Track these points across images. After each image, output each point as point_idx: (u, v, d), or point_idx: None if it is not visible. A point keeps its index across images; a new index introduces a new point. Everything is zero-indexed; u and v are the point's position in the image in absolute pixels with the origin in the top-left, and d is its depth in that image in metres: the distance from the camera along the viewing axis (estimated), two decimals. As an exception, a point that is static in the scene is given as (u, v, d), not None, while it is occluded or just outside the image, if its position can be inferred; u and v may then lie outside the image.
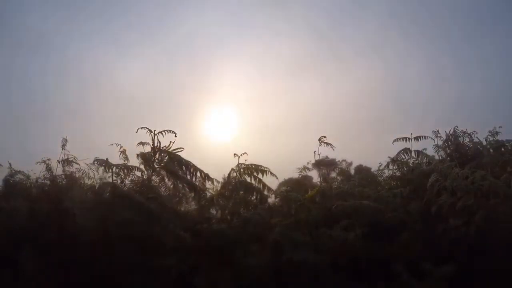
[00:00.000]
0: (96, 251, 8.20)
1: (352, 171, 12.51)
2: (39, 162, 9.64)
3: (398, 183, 10.15)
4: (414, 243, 8.17)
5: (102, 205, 9.00)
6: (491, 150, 9.86)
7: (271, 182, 10.80)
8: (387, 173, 11.00)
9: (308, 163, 11.95)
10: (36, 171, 9.69)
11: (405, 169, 10.36)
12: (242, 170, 10.52)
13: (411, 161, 10.50)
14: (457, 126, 10.41)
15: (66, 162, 9.82)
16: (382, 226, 8.56)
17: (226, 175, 10.59)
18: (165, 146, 9.96)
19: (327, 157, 12.05)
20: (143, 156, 9.81)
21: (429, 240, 8.10)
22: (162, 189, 10.07)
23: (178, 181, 10.02)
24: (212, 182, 10.41)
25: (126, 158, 10.07)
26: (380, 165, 11.11)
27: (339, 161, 12.66)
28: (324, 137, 11.15)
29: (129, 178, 9.88)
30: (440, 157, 10.36)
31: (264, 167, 10.54)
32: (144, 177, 9.83)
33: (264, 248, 8.58)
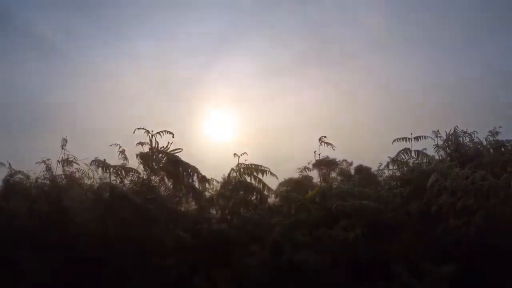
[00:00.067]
0: (96, 251, 8.20)
1: (352, 171, 12.50)
2: (39, 162, 9.64)
3: (398, 183, 10.14)
4: (414, 243, 8.17)
5: (102, 205, 9.00)
6: (491, 150, 9.86)
7: (271, 182, 10.83)
8: (387, 173, 11.01)
9: (308, 163, 11.98)
10: (36, 171, 9.69)
11: (405, 169, 10.36)
12: (242, 170, 10.54)
13: (411, 161, 10.51)
14: (457, 126, 10.41)
15: (66, 162, 9.81)
16: (382, 226, 8.56)
17: (226, 175, 10.61)
18: (163, 146, 9.99)
19: (327, 157, 12.07)
20: (142, 156, 9.83)
21: (429, 240, 8.10)
22: (162, 189, 10.06)
23: (177, 182, 10.03)
24: (209, 184, 10.43)
25: (125, 158, 10.09)
26: (380, 165, 11.11)
27: (339, 161, 12.67)
28: (325, 137, 11.17)
29: (129, 179, 9.89)
30: (440, 157, 10.35)
31: (264, 167, 10.56)
32: (144, 177, 9.84)
33: (264, 248, 8.58)
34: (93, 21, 21.78)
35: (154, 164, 9.86)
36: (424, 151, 10.58)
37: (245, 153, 10.62)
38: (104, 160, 9.82)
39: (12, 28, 20.55)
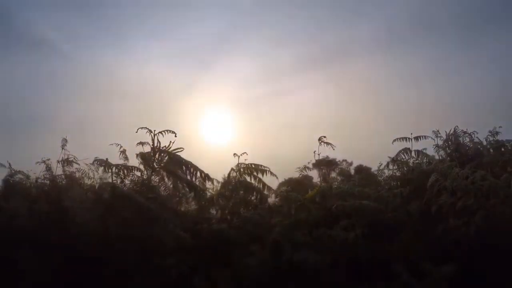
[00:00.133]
0: (96, 251, 8.19)
1: (352, 171, 12.51)
2: (39, 162, 9.64)
3: (398, 183, 10.14)
4: (414, 243, 8.16)
5: (102, 205, 9.00)
6: (491, 150, 9.86)
7: (271, 182, 10.83)
8: (387, 173, 11.00)
9: (308, 162, 11.99)
10: (36, 171, 9.69)
11: (405, 169, 10.35)
12: (242, 170, 10.53)
13: (411, 161, 10.51)
14: (457, 126, 10.42)
15: (66, 162, 9.81)
16: (382, 226, 8.56)
17: (226, 175, 10.61)
18: (165, 146, 9.97)
19: (327, 157, 12.07)
20: (142, 156, 9.82)
21: (429, 240, 8.09)
22: (162, 189, 10.06)
23: (178, 181, 10.02)
24: (212, 182, 10.44)
25: (126, 158, 10.08)
26: (380, 165, 11.11)
27: (339, 161, 12.68)
28: (324, 137, 11.17)
29: (129, 178, 9.89)
30: (440, 157, 10.35)
31: (264, 166, 10.56)
32: (144, 177, 9.84)
33: (264, 248, 8.58)
34: (93, 21, 21.78)
35: (155, 163, 9.85)
36: (424, 151, 10.59)
37: (245, 152, 10.63)
38: (106, 159, 9.82)
39: (12, 28, 20.53)
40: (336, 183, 11.42)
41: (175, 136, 9.97)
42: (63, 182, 9.79)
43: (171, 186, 10.14)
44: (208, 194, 10.46)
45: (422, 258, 7.51)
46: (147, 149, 9.96)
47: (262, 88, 22.96)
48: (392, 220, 8.70)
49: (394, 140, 10.64)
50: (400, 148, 10.58)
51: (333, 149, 11.16)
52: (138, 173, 9.90)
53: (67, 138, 10.00)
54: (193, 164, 10.08)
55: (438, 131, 10.53)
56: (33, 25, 21.03)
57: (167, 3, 22.49)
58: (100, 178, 9.73)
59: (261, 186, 10.49)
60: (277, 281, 8.12)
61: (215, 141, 15.20)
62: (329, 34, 22.72)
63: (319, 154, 11.37)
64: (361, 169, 12.15)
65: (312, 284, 8.00)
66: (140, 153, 9.90)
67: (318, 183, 11.54)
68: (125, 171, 9.82)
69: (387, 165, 10.81)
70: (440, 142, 10.47)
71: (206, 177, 10.18)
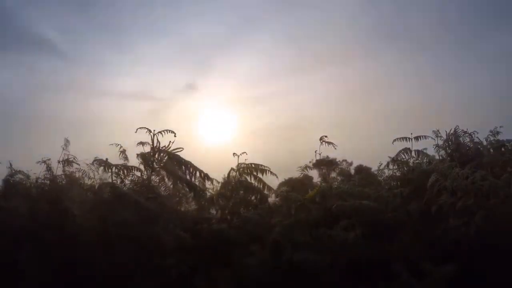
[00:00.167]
0: (96, 251, 8.20)
1: (352, 171, 12.50)
2: (39, 162, 9.63)
3: (398, 183, 10.13)
4: (414, 243, 8.16)
5: (102, 205, 9.00)
6: (491, 150, 9.85)
7: (271, 182, 10.83)
8: (387, 173, 11.00)
9: (309, 162, 11.98)
10: (36, 171, 9.68)
11: (405, 169, 10.35)
12: (242, 169, 10.52)
13: (411, 161, 10.51)
14: (457, 126, 10.40)
15: (66, 162, 9.80)
16: (382, 226, 8.56)
17: (226, 175, 10.61)
18: (165, 146, 9.97)
19: (327, 157, 12.06)
20: (142, 156, 9.82)
21: (429, 240, 8.10)
22: (162, 189, 10.06)
23: (178, 181, 10.02)
24: (212, 182, 10.42)
25: (126, 158, 10.08)
26: (380, 165, 11.10)
27: (339, 161, 12.66)
28: (326, 136, 11.18)
29: (129, 178, 9.89)
30: (441, 157, 10.34)
31: (264, 166, 10.55)
32: (144, 177, 9.84)
33: (264, 248, 8.58)
34: (93, 21, 21.81)
35: (155, 163, 9.85)
36: (424, 151, 10.58)
37: (245, 152, 10.61)
38: (106, 159, 9.82)
39: (12, 28, 20.55)
40: (336, 183, 11.42)
41: (175, 136, 9.99)
42: (63, 182, 9.78)
43: (171, 186, 10.14)
44: (208, 194, 10.45)
45: (422, 258, 7.51)
46: (147, 149, 9.98)
47: (262, 88, 22.99)
48: (392, 220, 8.70)
49: (394, 140, 10.64)
50: (400, 148, 10.58)
51: (335, 148, 11.18)
52: (138, 173, 9.91)
53: (67, 138, 9.99)
54: (192, 164, 10.09)
55: (438, 131, 10.53)
56: (33, 25, 21.09)
57: (168, 3, 22.54)
58: (100, 178, 9.73)
59: (261, 186, 10.49)
60: (277, 281, 8.12)
61: (215, 141, 15.21)
62: (329, 34, 22.74)
63: (320, 154, 11.37)
64: (361, 169, 12.13)
65: (312, 284, 8.00)
66: (140, 153, 9.90)
67: (318, 183, 11.54)
68: (125, 171, 9.82)
69: (387, 165, 10.80)
70: (440, 142, 10.47)
71: (205, 177, 10.18)
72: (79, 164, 9.86)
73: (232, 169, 10.52)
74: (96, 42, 22.21)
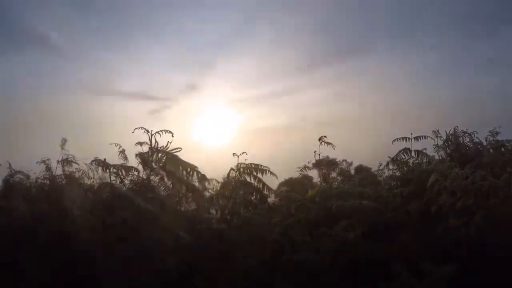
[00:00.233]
0: (96, 251, 8.19)
1: (352, 171, 12.51)
2: (39, 162, 9.62)
3: (398, 183, 10.13)
4: (414, 243, 8.16)
5: (102, 205, 8.99)
6: (491, 150, 9.86)
7: (271, 182, 10.83)
8: (387, 173, 10.98)
9: (308, 162, 11.98)
10: (36, 171, 9.67)
11: (405, 169, 10.34)
12: (241, 169, 10.52)
13: (411, 161, 10.49)
14: (457, 126, 10.41)
15: (66, 162, 9.79)
16: (382, 226, 8.57)
17: (226, 175, 10.60)
18: (163, 146, 9.98)
19: (327, 157, 12.07)
20: (141, 156, 9.82)
21: (429, 240, 8.10)
22: (162, 189, 10.06)
23: (177, 181, 10.01)
24: (209, 183, 10.41)
25: (125, 158, 10.07)
26: (380, 165, 11.09)
27: (339, 161, 12.67)
28: (325, 136, 11.17)
29: (129, 178, 9.88)
30: (440, 157, 10.34)
31: (264, 166, 10.54)
32: (143, 177, 9.83)
33: (264, 248, 8.57)
34: (93, 21, 21.79)
35: (153, 163, 9.85)
36: (424, 151, 10.58)
37: (245, 152, 10.61)
38: (104, 159, 9.82)
39: (12, 28, 20.53)
40: (336, 183, 11.43)
41: (172, 136, 9.99)
42: (63, 182, 9.77)
43: (171, 186, 10.14)
44: (208, 194, 10.45)
45: (422, 258, 7.50)
46: (146, 149, 9.98)
47: (262, 88, 23.00)
48: (392, 220, 8.70)
49: (394, 140, 10.63)
50: (400, 148, 10.56)
51: (334, 149, 11.16)
52: (138, 172, 9.91)
53: (67, 138, 9.97)
54: (190, 165, 10.09)
55: (438, 131, 10.53)
56: (33, 25, 21.06)
57: (168, 3, 22.54)
58: (100, 178, 9.73)
59: (261, 186, 10.48)
60: (277, 281, 8.12)
61: (215, 140, 15.22)
62: (330, 34, 22.75)
63: (319, 154, 11.36)
64: (361, 169, 12.15)
65: (312, 284, 8.00)
66: (139, 153, 9.90)
67: (318, 183, 11.54)
68: (124, 171, 9.81)
69: (387, 165, 10.79)
70: (440, 142, 10.47)
71: (203, 177, 10.18)
72: (78, 164, 9.87)
73: (232, 169, 10.51)
74: (96, 42, 22.21)
